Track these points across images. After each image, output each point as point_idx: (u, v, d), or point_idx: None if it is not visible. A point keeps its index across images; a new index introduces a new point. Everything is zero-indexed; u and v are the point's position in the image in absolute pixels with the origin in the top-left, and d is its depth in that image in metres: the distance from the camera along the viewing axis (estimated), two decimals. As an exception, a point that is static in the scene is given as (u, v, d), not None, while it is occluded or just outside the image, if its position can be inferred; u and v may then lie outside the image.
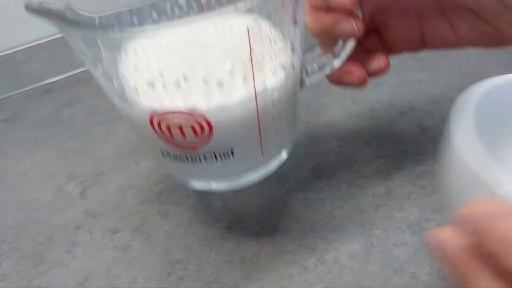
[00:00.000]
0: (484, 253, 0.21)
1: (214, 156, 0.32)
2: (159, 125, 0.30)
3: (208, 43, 0.28)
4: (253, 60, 0.28)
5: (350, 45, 0.34)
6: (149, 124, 0.30)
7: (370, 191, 0.42)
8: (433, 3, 0.34)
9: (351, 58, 0.34)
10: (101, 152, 0.49)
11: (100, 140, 0.50)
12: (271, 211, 0.41)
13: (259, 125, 0.32)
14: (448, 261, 0.22)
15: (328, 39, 0.34)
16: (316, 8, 0.32)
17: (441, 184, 0.28)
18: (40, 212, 0.44)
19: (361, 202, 0.41)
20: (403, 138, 0.46)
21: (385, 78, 0.51)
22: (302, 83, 0.35)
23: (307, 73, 0.35)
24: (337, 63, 0.34)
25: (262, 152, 0.34)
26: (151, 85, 0.29)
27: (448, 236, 0.22)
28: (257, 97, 0.30)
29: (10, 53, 0.56)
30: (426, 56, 0.55)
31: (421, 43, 0.36)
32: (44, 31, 0.56)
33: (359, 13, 0.32)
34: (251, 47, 0.27)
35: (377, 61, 0.35)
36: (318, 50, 0.36)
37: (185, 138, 0.30)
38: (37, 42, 0.57)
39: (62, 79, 0.57)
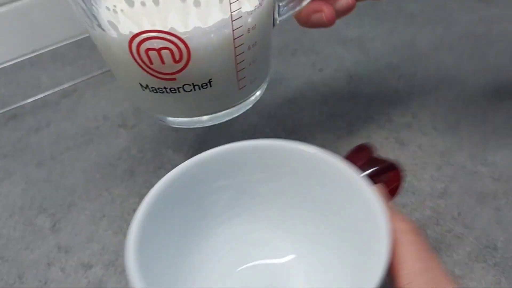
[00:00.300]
0: None
1: (193, 88, 0.33)
2: (137, 50, 0.30)
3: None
4: None
5: None
6: (128, 50, 0.30)
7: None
8: None
9: None
10: (71, 180, 0.47)
11: (69, 168, 0.48)
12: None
13: (235, 53, 0.32)
14: None
15: None
16: None
17: None
18: (9, 249, 0.42)
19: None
20: (380, 153, 0.45)
21: (362, 89, 0.50)
22: (274, 20, 0.36)
23: (279, 12, 0.36)
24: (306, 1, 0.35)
25: (238, 85, 0.35)
26: (131, 4, 0.29)
27: None
28: (233, 22, 0.30)
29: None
30: (402, 63, 0.54)
31: None
32: (7, 54, 0.54)
33: None
34: None
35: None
36: None
37: (164, 63, 0.31)
38: (1, 66, 0.54)
39: (29, 103, 0.55)
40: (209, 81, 0.33)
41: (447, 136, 0.45)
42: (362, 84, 0.52)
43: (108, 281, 0.38)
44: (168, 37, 0.29)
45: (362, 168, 0.29)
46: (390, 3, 0.62)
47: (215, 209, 0.32)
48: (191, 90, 0.33)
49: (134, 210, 0.43)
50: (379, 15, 0.61)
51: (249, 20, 0.32)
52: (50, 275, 0.40)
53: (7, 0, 0.51)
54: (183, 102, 0.35)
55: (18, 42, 0.54)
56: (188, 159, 0.45)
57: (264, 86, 0.39)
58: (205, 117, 0.37)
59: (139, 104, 0.39)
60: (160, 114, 0.38)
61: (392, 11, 0.62)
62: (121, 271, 0.39)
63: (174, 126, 0.38)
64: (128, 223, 0.41)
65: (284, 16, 0.36)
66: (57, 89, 0.56)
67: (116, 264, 0.39)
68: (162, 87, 0.33)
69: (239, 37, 0.32)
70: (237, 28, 0.31)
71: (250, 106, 0.38)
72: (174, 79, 0.32)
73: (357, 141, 0.45)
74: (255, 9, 0.32)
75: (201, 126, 0.38)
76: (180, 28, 0.29)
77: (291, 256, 0.32)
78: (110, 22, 0.30)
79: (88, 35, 0.55)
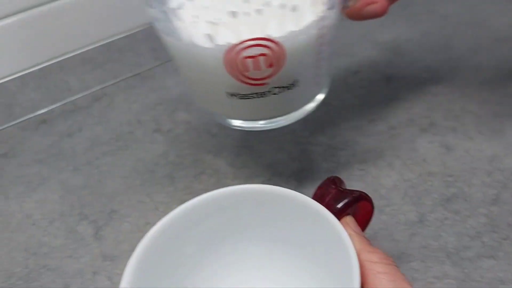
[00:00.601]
0: None
1: (280, 90, 0.34)
2: (234, 59, 0.31)
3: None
4: None
5: None
6: (223, 61, 0.31)
7: (401, 218, 0.40)
8: None
9: None
10: (110, 187, 0.46)
11: (107, 173, 0.47)
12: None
13: (317, 52, 0.34)
14: None
15: None
16: None
17: None
18: (52, 258, 0.41)
19: (394, 232, 0.39)
20: (427, 158, 0.44)
21: (400, 93, 0.49)
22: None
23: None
24: None
25: (316, 83, 0.37)
26: (235, 15, 0.30)
27: None
28: (320, 22, 0.32)
29: (2, 82, 0.52)
30: (439, 66, 0.53)
31: None
32: (36, 58, 0.53)
33: None
34: None
35: None
36: None
37: (260, 69, 0.32)
38: (29, 70, 0.53)
39: (58, 107, 0.54)
40: (295, 82, 0.34)
41: (493, 141, 0.45)
42: (400, 87, 0.52)
43: (158, 290, 0.37)
44: (267, 43, 0.30)
45: (332, 202, 0.30)
46: (422, 6, 0.62)
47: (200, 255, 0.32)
48: (277, 92, 0.34)
49: (178, 217, 0.42)
50: (411, 18, 0.61)
51: (328, 21, 0.33)
52: (97, 285, 0.39)
53: (35, 4, 0.50)
54: (265, 105, 0.35)
55: (46, 46, 0.53)
56: (227, 164, 0.45)
57: (326, 89, 0.40)
58: (279, 118, 0.38)
59: (221, 111, 0.39)
60: (245, 118, 0.38)
61: (424, 14, 0.61)
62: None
63: (240, 128, 0.39)
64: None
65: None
66: (86, 92, 0.55)
67: (165, 273, 0.38)
68: (250, 93, 0.34)
69: (322, 36, 0.33)
70: (321, 28, 0.33)
71: (318, 103, 0.40)
72: (264, 83, 0.33)
73: (400, 145, 0.45)
74: (331, 7, 0.33)
75: (272, 128, 0.39)
76: (277, 33, 0.31)
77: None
78: (206, 35, 0.31)
79: (116, 38, 0.54)
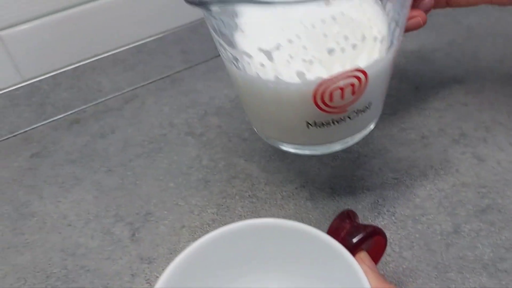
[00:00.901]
0: None
1: (355, 114, 0.36)
2: (322, 93, 0.32)
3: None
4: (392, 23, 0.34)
5: None
6: (312, 94, 0.33)
7: (437, 228, 0.41)
8: None
9: None
10: (145, 189, 0.46)
11: (141, 175, 0.47)
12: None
13: (390, 73, 0.37)
14: None
15: None
16: None
17: None
18: (90, 259, 0.42)
19: (430, 242, 0.40)
20: (460, 168, 0.45)
21: (430, 102, 0.50)
22: None
23: None
24: None
25: (382, 102, 0.40)
26: (330, 52, 0.31)
27: None
28: (396, 46, 0.35)
29: (35, 82, 0.53)
30: (467, 77, 0.54)
31: (445, 4, 0.44)
32: (69, 58, 0.53)
33: None
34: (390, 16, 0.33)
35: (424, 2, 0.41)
36: None
37: (343, 98, 0.33)
38: (62, 70, 0.54)
39: (90, 107, 0.55)
40: (369, 104, 0.36)
41: (525, 153, 0.45)
42: (429, 96, 0.52)
43: (197, 294, 0.38)
44: (356, 73, 0.32)
45: (347, 237, 0.31)
46: (447, 16, 0.62)
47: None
48: (353, 117, 0.35)
49: (213, 221, 0.43)
50: (436, 28, 0.61)
51: (399, 41, 0.36)
52: (136, 286, 0.39)
53: (70, 5, 0.51)
54: (340, 129, 0.37)
55: (80, 46, 0.54)
56: (260, 169, 0.45)
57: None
58: (348, 139, 0.40)
59: (296, 140, 0.40)
60: (308, 145, 0.40)
61: (449, 24, 0.62)
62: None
63: (306, 154, 0.43)
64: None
65: None
66: (117, 93, 0.56)
67: (203, 277, 0.39)
68: (330, 120, 0.36)
69: (394, 58, 0.36)
70: (395, 51, 0.35)
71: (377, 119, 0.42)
72: (345, 110, 0.35)
73: (433, 155, 0.45)
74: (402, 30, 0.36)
75: (341, 149, 0.41)
76: (364, 64, 0.32)
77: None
78: (298, 72, 0.32)
79: (147, 40, 0.54)
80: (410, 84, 0.54)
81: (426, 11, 0.42)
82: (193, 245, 0.31)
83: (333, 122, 0.36)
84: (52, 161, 0.50)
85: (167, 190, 0.46)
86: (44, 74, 0.53)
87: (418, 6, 0.42)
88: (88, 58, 0.55)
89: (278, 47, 0.32)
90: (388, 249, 0.39)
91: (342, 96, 0.33)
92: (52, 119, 0.54)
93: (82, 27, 0.53)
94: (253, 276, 0.33)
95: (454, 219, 0.41)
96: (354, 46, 0.32)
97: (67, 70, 0.54)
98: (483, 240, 0.39)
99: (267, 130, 0.42)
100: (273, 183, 0.46)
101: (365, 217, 0.42)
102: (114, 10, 0.54)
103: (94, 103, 0.55)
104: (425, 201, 0.43)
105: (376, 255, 0.33)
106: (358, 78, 0.33)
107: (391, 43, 0.34)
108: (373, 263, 0.31)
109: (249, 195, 0.45)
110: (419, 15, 0.41)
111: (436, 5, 0.43)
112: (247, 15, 0.30)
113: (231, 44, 0.33)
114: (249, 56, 0.33)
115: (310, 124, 0.36)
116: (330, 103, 0.34)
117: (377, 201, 0.43)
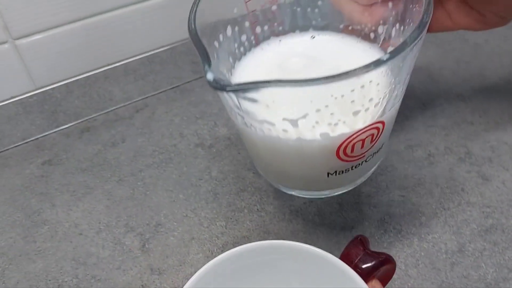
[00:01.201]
0: None
1: (371, 156, 0.38)
2: (345, 148, 0.34)
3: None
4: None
5: None
6: (334, 151, 0.34)
7: (442, 247, 0.41)
8: None
9: None
10: (155, 200, 0.47)
11: (151, 186, 0.48)
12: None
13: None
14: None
15: None
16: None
17: None
18: (101, 269, 0.42)
19: (435, 260, 0.41)
20: (465, 187, 0.46)
21: (436, 119, 0.51)
22: None
23: None
24: None
25: (389, 137, 0.42)
26: (355, 114, 0.32)
27: None
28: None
29: (48, 89, 0.54)
30: (474, 95, 0.54)
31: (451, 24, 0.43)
32: (82, 66, 0.54)
33: None
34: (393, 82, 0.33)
35: None
36: None
37: (363, 147, 0.35)
38: (75, 78, 0.54)
39: (101, 116, 0.55)
40: (383, 145, 0.39)
41: (529, 174, 0.46)
42: (436, 114, 0.53)
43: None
44: (377, 125, 0.34)
45: (360, 264, 0.32)
46: (454, 33, 0.63)
47: None
48: (369, 159, 0.37)
49: (222, 234, 0.44)
50: (444, 45, 0.62)
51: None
52: (146, 297, 0.40)
53: (83, 16, 0.52)
54: (357, 172, 0.39)
55: (92, 55, 0.55)
56: (268, 183, 0.46)
57: None
58: (360, 179, 0.42)
59: (315, 188, 0.42)
60: (326, 190, 0.42)
61: (456, 41, 0.63)
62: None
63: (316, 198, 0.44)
64: (217, 247, 0.42)
65: None
66: (128, 102, 0.56)
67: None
68: (350, 167, 0.37)
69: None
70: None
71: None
72: (364, 156, 0.37)
73: (439, 173, 0.46)
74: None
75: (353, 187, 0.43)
76: (383, 115, 0.34)
77: None
78: (322, 134, 0.33)
79: (158, 50, 0.55)
80: (417, 101, 0.55)
81: None
82: (209, 263, 0.31)
83: (351, 168, 0.38)
84: (64, 169, 0.51)
85: (177, 202, 0.47)
86: (56, 82, 0.54)
87: None
88: (100, 68, 0.55)
89: (305, 116, 0.32)
90: (394, 267, 0.40)
91: (362, 146, 0.35)
92: (63, 127, 0.54)
93: (95, 37, 0.54)
94: None
95: (459, 238, 0.42)
96: (376, 104, 0.33)
97: (80, 78, 0.55)
98: (487, 260, 0.40)
99: (278, 179, 0.43)
100: (281, 197, 0.46)
101: (372, 234, 0.43)
102: (126, 21, 0.55)
103: (105, 111, 0.56)
104: (431, 220, 0.43)
105: (385, 280, 0.34)
106: (377, 128, 0.35)
107: (403, 89, 0.36)
108: None
109: (257, 209, 0.45)
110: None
111: None
112: (273, 91, 0.29)
113: (252, 114, 0.33)
114: (272, 124, 0.33)
115: (331, 173, 0.38)
116: (351, 154, 0.35)
117: (384, 218, 0.44)
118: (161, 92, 0.58)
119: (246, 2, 0.40)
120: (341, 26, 0.43)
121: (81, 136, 0.54)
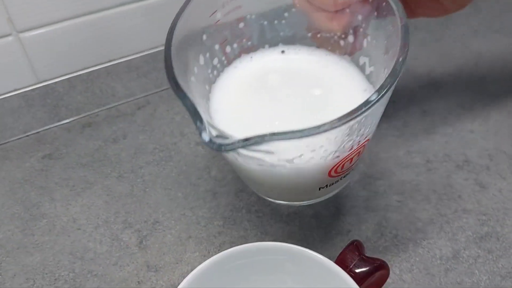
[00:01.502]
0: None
1: (355, 165, 0.40)
2: (336, 168, 0.36)
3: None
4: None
5: None
6: (326, 173, 0.36)
7: (437, 253, 0.42)
8: None
9: None
10: (154, 197, 0.47)
11: (151, 183, 0.49)
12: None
13: None
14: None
15: None
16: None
17: None
18: (97, 264, 0.43)
19: (429, 266, 0.41)
20: (462, 194, 0.46)
21: (436, 126, 0.51)
22: None
23: None
24: None
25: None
26: (349, 146, 0.34)
27: None
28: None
29: (50, 83, 0.54)
30: (475, 105, 0.55)
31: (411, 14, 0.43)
32: (85, 62, 0.54)
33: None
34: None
35: None
36: None
37: (351, 162, 0.37)
38: (78, 73, 0.55)
39: (102, 111, 0.56)
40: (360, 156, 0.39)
41: (526, 183, 0.47)
42: (436, 121, 0.53)
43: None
44: (364, 143, 0.36)
45: (355, 269, 0.33)
46: (455, 41, 0.63)
47: None
48: (355, 168, 0.40)
49: (219, 233, 0.44)
50: (446, 52, 0.62)
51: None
52: (142, 294, 0.40)
53: (88, 11, 0.52)
54: (341, 182, 0.42)
55: (95, 51, 0.55)
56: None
57: None
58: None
59: (304, 200, 0.45)
60: (322, 197, 0.45)
61: (458, 48, 0.63)
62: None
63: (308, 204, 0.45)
64: (214, 246, 0.42)
65: None
66: (130, 99, 0.57)
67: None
68: (339, 178, 0.39)
69: None
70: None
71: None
72: (352, 168, 0.39)
73: (436, 180, 0.46)
74: None
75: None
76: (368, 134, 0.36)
77: None
78: (316, 164, 0.35)
79: (161, 48, 0.55)
80: (418, 108, 0.55)
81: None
82: (205, 262, 0.32)
83: (340, 179, 0.40)
84: (64, 164, 0.51)
85: (175, 200, 0.47)
86: (59, 77, 0.54)
87: None
88: (103, 63, 0.56)
89: (300, 156, 0.33)
90: (388, 271, 0.40)
91: (351, 161, 0.37)
92: (65, 121, 0.55)
93: (99, 33, 0.54)
94: None
95: (454, 245, 0.42)
96: (366, 134, 0.35)
97: (82, 74, 0.55)
98: (481, 267, 0.41)
99: (268, 194, 0.45)
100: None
101: (368, 238, 0.43)
102: (131, 18, 0.55)
103: (107, 107, 0.56)
104: (427, 225, 0.44)
105: (378, 285, 0.35)
106: (364, 145, 0.36)
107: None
108: None
109: (255, 210, 0.46)
110: None
111: None
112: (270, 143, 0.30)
113: (248, 158, 0.35)
114: (268, 165, 0.35)
115: (322, 187, 0.40)
116: (341, 170, 0.37)
117: (381, 222, 0.44)
118: (163, 90, 0.58)
119: (216, 23, 0.40)
120: (309, 34, 0.44)
121: (83, 131, 0.54)
